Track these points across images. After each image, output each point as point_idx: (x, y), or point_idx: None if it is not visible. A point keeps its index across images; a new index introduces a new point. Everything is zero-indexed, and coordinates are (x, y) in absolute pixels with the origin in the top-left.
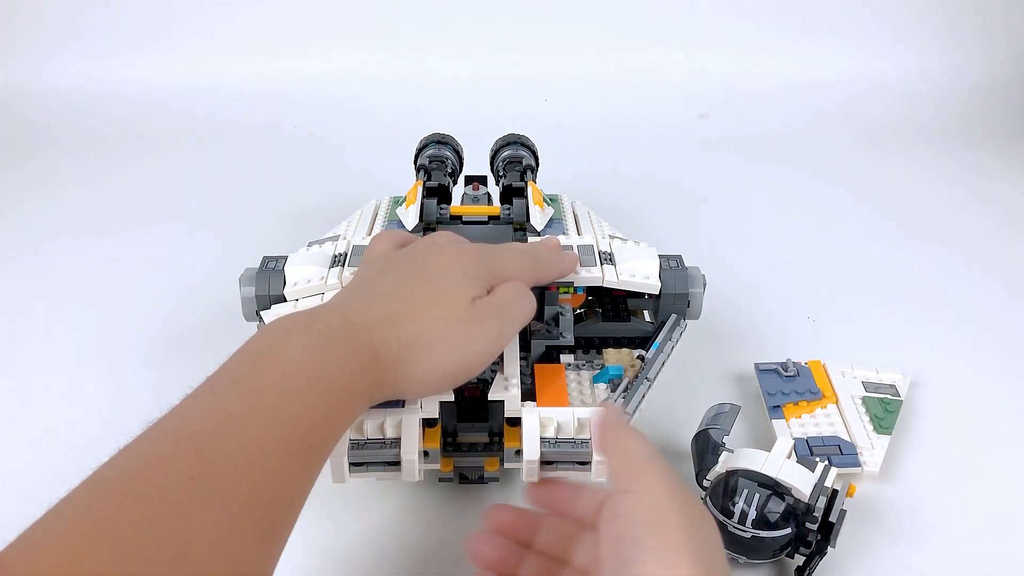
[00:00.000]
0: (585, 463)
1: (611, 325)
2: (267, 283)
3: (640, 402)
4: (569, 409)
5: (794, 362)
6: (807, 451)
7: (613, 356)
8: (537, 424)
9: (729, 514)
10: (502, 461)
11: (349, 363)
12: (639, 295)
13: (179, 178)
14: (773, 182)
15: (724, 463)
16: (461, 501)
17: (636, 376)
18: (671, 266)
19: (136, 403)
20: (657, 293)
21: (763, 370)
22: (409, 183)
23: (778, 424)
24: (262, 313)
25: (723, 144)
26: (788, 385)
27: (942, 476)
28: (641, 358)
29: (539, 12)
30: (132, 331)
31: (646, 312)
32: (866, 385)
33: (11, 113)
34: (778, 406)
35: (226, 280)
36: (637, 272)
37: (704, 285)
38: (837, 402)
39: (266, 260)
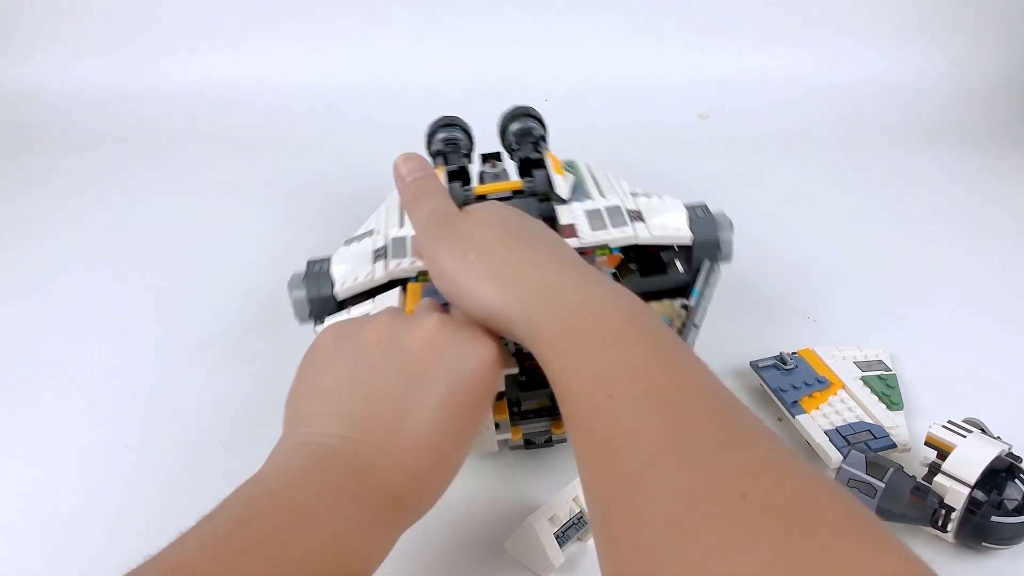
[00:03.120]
0: None
1: (650, 280)
2: (316, 286)
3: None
4: None
5: (789, 354)
6: (843, 441)
7: (656, 309)
8: None
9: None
10: None
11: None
12: (670, 248)
13: (181, 177)
14: (772, 182)
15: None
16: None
17: (683, 325)
18: (698, 215)
19: (134, 403)
20: (689, 243)
21: (763, 367)
22: None
23: (804, 420)
24: (318, 328)
25: (723, 144)
26: (796, 378)
27: None
28: (685, 307)
29: (539, 12)
30: (136, 330)
31: (678, 262)
32: (859, 364)
33: (11, 113)
34: (796, 402)
35: (226, 279)
36: (668, 225)
37: (732, 228)
38: (845, 387)
39: (311, 264)
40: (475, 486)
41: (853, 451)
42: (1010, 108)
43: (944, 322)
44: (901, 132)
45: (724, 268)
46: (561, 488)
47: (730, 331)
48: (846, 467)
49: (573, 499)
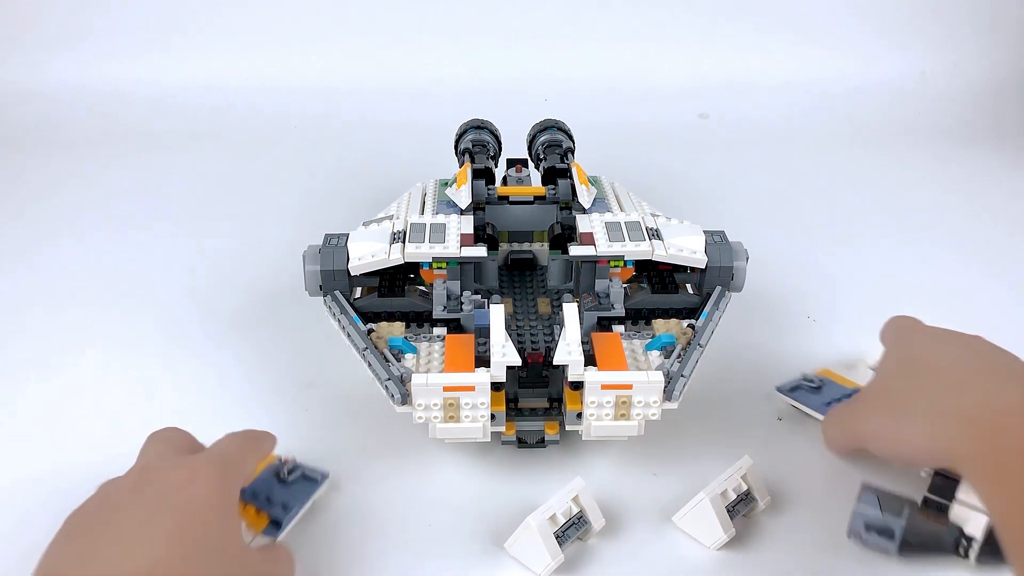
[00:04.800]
0: None
1: (661, 297)
2: (331, 259)
3: (694, 366)
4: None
5: (810, 375)
6: None
7: (662, 326)
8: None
9: None
10: (562, 424)
11: None
12: (683, 269)
13: (181, 177)
14: (773, 182)
15: None
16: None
17: (688, 343)
18: (715, 241)
19: (134, 401)
20: (703, 267)
21: (791, 389)
22: (410, 176)
23: None
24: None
25: (723, 144)
26: (826, 395)
27: None
28: (692, 327)
29: (540, 12)
30: (137, 328)
31: (688, 286)
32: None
33: (11, 113)
34: None
35: (226, 278)
36: (684, 247)
37: (747, 259)
38: None
39: (328, 237)
40: (475, 486)
41: (864, 493)
42: (1011, 108)
43: (944, 322)
44: (902, 132)
45: None
46: (561, 488)
47: (731, 329)
48: (860, 512)
49: (573, 499)
